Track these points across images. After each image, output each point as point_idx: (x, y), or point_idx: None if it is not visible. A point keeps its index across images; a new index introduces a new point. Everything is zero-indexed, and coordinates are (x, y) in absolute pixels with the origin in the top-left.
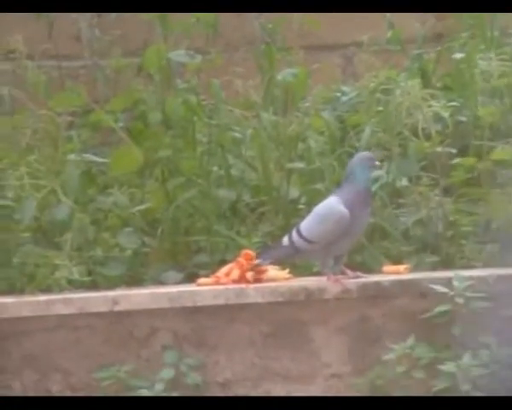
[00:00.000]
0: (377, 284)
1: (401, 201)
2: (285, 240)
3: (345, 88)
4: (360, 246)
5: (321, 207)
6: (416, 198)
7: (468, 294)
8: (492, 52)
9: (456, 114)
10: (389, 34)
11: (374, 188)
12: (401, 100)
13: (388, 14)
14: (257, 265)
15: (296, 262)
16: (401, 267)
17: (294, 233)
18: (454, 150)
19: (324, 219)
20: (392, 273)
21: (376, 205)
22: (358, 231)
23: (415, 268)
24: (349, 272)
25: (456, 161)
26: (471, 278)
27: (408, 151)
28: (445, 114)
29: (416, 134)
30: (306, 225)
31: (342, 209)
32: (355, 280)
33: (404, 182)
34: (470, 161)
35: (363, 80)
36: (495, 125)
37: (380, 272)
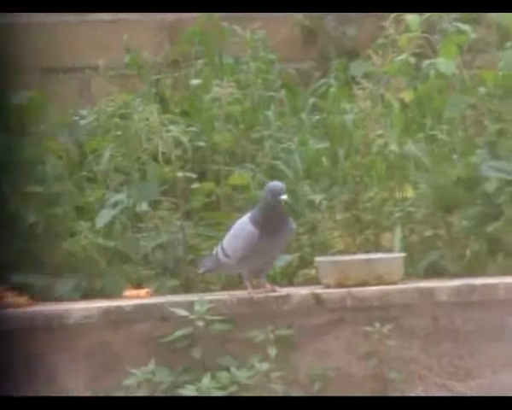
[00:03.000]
0: (118, 308)
1: (141, 225)
2: (214, 251)
3: (82, 112)
4: (100, 271)
5: (235, 225)
6: (156, 222)
7: (208, 317)
8: (226, 79)
9: (194, 140)
10: (126, 59)
11: (114, 213)
12: (140, 125)
13: (125, 39)
14: None
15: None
16: (142, 291)
17: (219, 246)
18: (194, 175)
19: (236, 235)
20: (134, 298)
21: (116, 229)
22: (271, 251)
23: (156, 292)
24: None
25: (196, 185)
26: (211, 301)
27: (148, 176)
28: (185, 139)
29: (155, 159)
30: (226, 239)
31: (250, 227)
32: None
33: (145, 206)
34: (209, 185)
35: (101, 104)
36: (231, 150)
37: (120, 296)
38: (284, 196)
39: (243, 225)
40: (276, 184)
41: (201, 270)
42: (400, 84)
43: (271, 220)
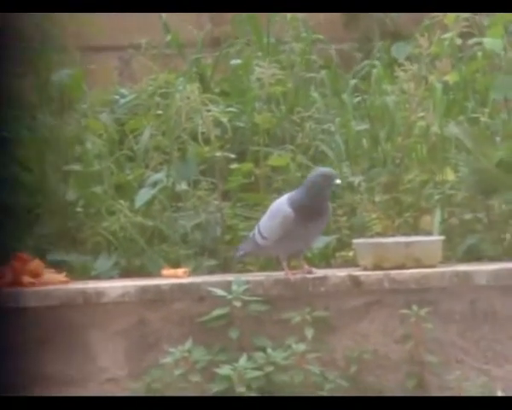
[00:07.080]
0: (156, 287)
1: (180, 204)
2: (251, 234)
3: (123, 91)
4: (139, 249)
5: (273, 205)
6: (194, 202)
7: (246, 297)
8: (268, 59)
9: (234, 120)
10: (167, 38)
11: (153, 192)
12: (180, 104)
13: (165, 17)
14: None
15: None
16: (180, 271)
17: (256, 228)
18: (233, 155)
19: (273, 217)
20: (171, 277)
21: (155, 208)
22: (307, 236)
23: (193, 272)
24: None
25: (235, 166)
26: (248, 281)
27: (187, 155)
28: (224, 119)
29: (195, 138)
30: (262, 220)
31: (287, 209)
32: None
33: (184, 186)
34: (248, 166)
35: (142, 83)
36: (271, 131)
37: (159, 275)
38: (339, 181)
39: (280, 207)
40: (330, 169)
41: (240, 254)
42: (445, 67)
43: (312, 206)
